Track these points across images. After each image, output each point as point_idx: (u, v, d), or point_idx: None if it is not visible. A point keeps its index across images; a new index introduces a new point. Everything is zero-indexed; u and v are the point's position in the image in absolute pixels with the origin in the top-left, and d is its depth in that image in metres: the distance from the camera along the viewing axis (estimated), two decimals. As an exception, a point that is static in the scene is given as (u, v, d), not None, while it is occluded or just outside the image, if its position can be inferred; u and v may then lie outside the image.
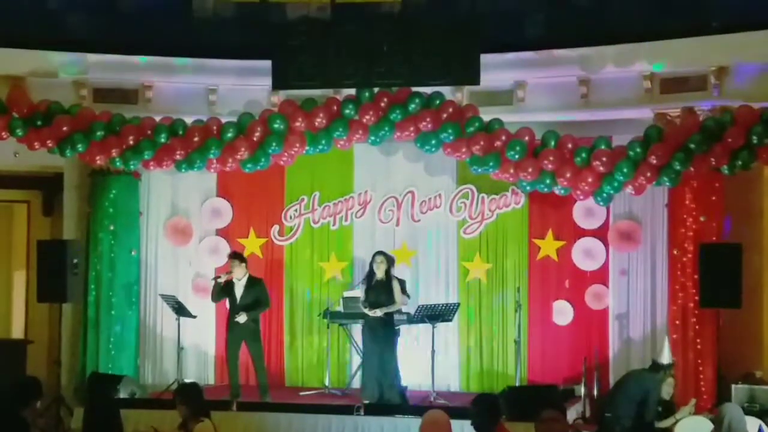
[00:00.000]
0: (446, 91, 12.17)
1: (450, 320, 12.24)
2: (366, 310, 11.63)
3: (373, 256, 11.86)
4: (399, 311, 11.93)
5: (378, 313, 11.56)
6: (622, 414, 9.43)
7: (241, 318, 11.78)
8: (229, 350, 12.01)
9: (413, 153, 12.78)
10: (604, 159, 11.47)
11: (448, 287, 13.15)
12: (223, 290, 11.98)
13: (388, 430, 10.61)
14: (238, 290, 11.91)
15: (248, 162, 12.23)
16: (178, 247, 13.38)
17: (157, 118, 12.35)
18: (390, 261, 11.86)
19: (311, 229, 13.42)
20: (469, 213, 13.08)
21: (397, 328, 11.95)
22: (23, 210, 14.60)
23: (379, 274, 11.72)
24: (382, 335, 11.64)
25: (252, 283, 11.99)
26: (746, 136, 10.83)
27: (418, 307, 12.10)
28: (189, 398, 8.30)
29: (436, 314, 11.93)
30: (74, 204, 13.07)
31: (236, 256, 12.10)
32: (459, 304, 12.50)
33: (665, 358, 9.89)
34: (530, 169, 11.71)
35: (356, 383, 12.59)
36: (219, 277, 12.11)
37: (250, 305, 11.87)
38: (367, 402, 11.24)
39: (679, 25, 11.59)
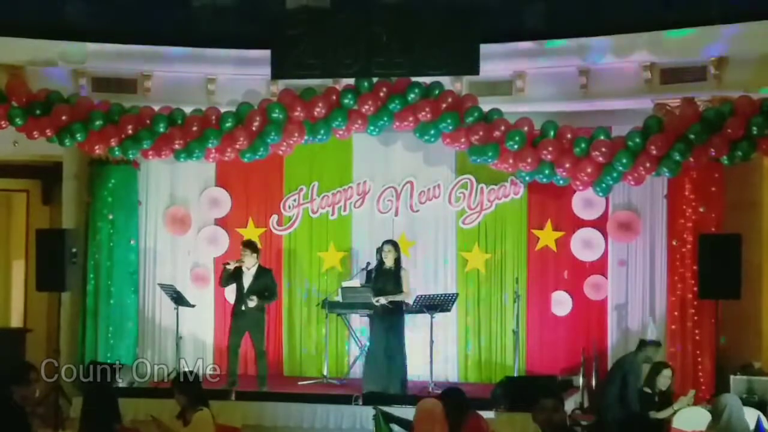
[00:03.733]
0: (445, 81, 12.15)
1: (448, 310, 12.23)
2: (371, 298, 11.66)
3: (382, 244, 11.91)
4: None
5: (382, 300, 11.57)
6: (610, 402, 9.42)
7: (252, 302, 11.78)
8: (232, 338, 12.01)
9: (412, 143, 12.76)
10: (603, 149, 11.45)
11: (447, 277, 13.13)
12: (231, 276, 12.00)
13: (387, 419, 10.60)
14: (247, 279, 11.92)
15: (247, 151, 12.21)
16: (177, 236, 13.37)
17: (156, 108, 12.33)
18: (398, 250, 11.89)
19: (310, 219, 13.41)
20: (468, 203, 13.07)
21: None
22: (22, 199, 14.58)
23: (388, 262, 11.75)
24: (389, 324, 11.65)
25: (261, 272, 12.00)
26: (746, 127, 10.82)
27: (417, 297, 12.07)
28: (187, 387, 8.32)
29: (434, 304, 11.92)
30: (73, 193, 13.06)
31: (249, 245, 12.08)
32: (457, 295, 12.49)
33: (648, 334, 9.87)
34: (529, 160, 11.70)
35: (354, 373, 12.61)
36: (228, 263, 12.11)
37: (257, 293, 11.87)
38: (366, 392, 11.25)
39: (678, 15, 11.57)
